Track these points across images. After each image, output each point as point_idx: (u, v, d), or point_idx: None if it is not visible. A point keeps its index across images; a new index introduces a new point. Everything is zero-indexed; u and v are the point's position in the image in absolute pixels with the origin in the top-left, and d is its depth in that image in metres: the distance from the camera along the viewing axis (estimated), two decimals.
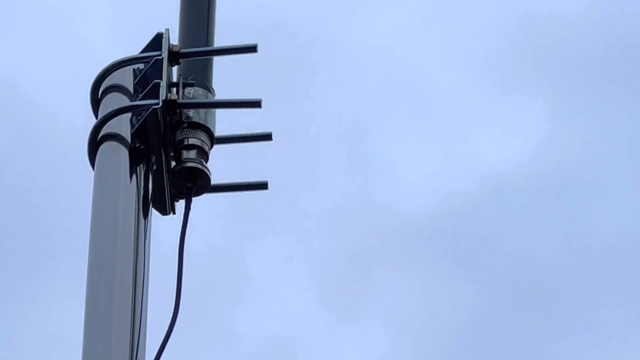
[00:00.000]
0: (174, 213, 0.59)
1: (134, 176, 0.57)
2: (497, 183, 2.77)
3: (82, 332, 0.55)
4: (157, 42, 0.57)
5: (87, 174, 0.58)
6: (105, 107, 0.57)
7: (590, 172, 2.91)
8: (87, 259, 0.57)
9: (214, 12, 0.62)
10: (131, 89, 0.57)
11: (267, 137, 0.59)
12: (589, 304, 2.84)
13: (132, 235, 0.57)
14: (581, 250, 2.86)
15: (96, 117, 0.58)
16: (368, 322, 2.83)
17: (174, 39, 0.57)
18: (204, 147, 0.57)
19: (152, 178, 0.58)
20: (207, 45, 0.59)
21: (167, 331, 0.58)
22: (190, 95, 0.57)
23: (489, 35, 2.85)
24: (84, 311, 0.56)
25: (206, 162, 0.58)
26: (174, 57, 0.56)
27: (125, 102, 0.57)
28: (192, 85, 0.57)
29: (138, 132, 0.56)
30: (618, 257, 2.83)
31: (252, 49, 0.57)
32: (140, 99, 0.56)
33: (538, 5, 2.92)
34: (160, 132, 0.56)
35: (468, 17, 2.87)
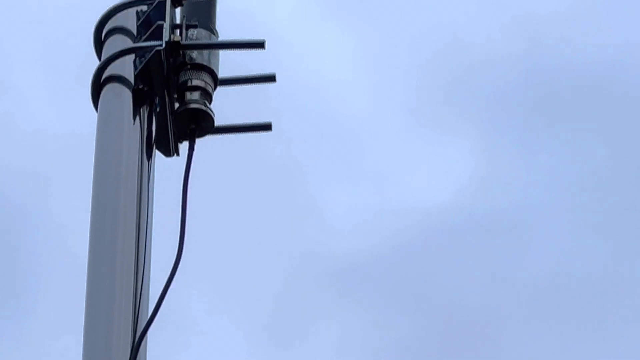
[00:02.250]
0: (178, 155, 0.57)
1: (138, 118, 0.55)
2: (428, 222, 2.88)
3: (86, 270, 0.54)
4: None
5: None
6: (109, 49, 0.56)
7: (516, 210, 3.00)
8: (90, 198, 0.56)
9: None
10: (134, 31, 0.56)
11: (271, 78, 0.57)
12: (515, 338, 2.93)
13: (136, 176, 0.56)
14: (508, 286, 2.96)
15: (99, 59, 0.56)
16: (306, 352, 2.86)
17: None
18: (207, 88, 0.56)
19: (155, 120, 0.56)
20: None
21: (172, 270, 0.56)
22: (194, 37, 0.55)
23: (416, 76, 2.87)
24: (87, 250, 0.55)
25: (210, 104, 0.56)
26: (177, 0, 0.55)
27: (128, 43, 0.56)
28: (195, 26, 0.55)
29: (141, 74, 0.55)
30: (544, 294, 2.93)
31: (259, 44, 0.55)
32: (144, 41, 0.55)
33: (463, 46, 2.93)
34: (164, 73, 0.55)
35: (394, 59, 2.91)
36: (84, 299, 0.53)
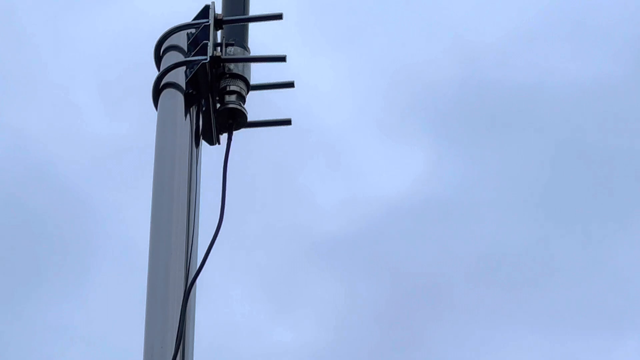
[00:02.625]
0: (219, 143, 0.74)
1: (188, 115, 0.71)
2: (392, 207, 3.63)
3: (149, 232, 0.69)
4: (205, 12, 0.71)
5: None
6: (166, 62, 0.71)
7: (461, 196, 3.77)
8: (152, 180, 0.71)
9: None
10: (185, 48, 0.72)
11: (290, 84, 0.75)
12: (463, 297, 3.74)
13: (187, 161, 0.71)
14: (456, 257, 3.74)
15: (158, 70, 0.72)
16: (300, 310, 3.60)
17: (218, 10, 0.72)
18: (242, 92, 0.72)
19: (202, 117, 0.72)
20: (243, 14, 0.74)
21: (213, 235, 0.71)
22: (231, 53, 0.72)
23: (383, 94, 3.62)
24: (150, 220, 0.70)
25: (244, 104, 0.73)
26: (218, 23, 0.71)
27: (181, 58, 0.71)
28: (232, 45, 0.72)
29: (191, 81, 0.71)
30: (484, 263, 3.73)
31: (281, 58, 0.73)
32: (193, 56, 0.71)
33: (417, 70, 3.66)
34: (208, 81, 0.71)
35: (366, 80, 3.63)
36: (148, 255, 0.68)
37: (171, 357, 0.55)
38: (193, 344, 0.66)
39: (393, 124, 3.71)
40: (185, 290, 0.63)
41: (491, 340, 3.68)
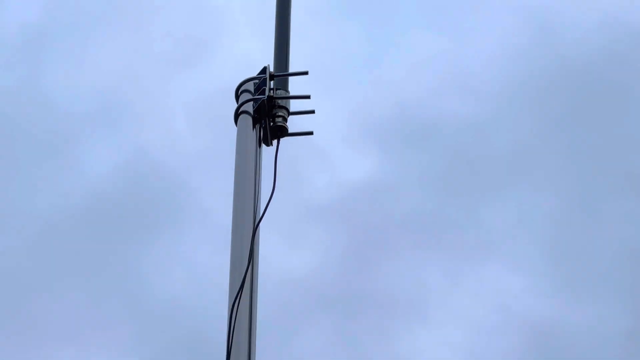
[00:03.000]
0: (272, 145, 1.26)
1: (254, 130, 1.23)
2: None
3: (233, 200, 1.22)
4: (264, 70, 1.23)
5: None
6: (242, 99, 1.24)
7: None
8: (234, 166, 1.25)
9: (289, 52, 1.28)
10: (253, 91, 1.24)
11: (311, 111, 1.25)
12: None
13: (254, 156, 1.24)
14: None
15: (237, 103, 1.26)
16: None
17: (271, 68, 1.24)
18: (285, 116, 1.24)
19: (262, 130, 1.25)
20: (286, 71, 1.26)
21: (269, 199, 1.22)
22: (279, 94, 1.24)
23: None
24: (233, 190, 1.24)
25: (286, 123, 1.24)
26: (271, 77, 1.23)
27: (250, 97, 1.24)
28: (279, 89, 1.24)
29: (256, 110, 1.23)
30: None
31: (307, 97, 1.24)
32: (257, 95, 1.23)
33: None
34: (266, 109, 1.23)
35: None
36: (232, 210, 1.22)
37: (245, 268, 1.08)
38: (258, 262, 1.19)
39: None
40: (253, 229, 1.16)
41: None
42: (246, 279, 0.91)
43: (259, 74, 1.25)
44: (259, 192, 1.22)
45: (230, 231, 1.20)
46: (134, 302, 5.56)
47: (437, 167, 5.94)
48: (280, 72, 1.26)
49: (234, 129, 1.24)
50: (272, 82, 1.24)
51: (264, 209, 1.19)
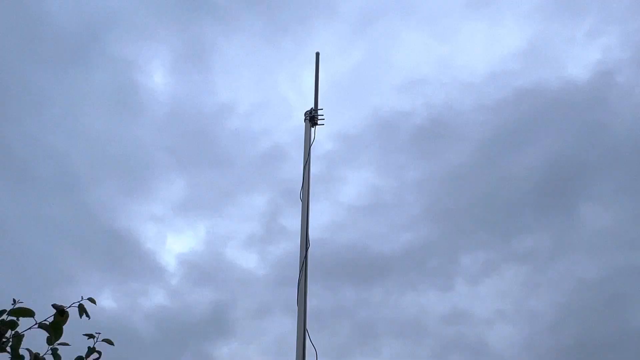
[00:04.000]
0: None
1: (311, 130, 3.84)
2: None
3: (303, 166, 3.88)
4: (311, 110, 3.86)
5: None
6: (305, 117, 3.89)
7: None
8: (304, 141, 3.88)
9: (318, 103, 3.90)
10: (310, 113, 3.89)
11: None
12: None
13: (309, 139, 3.86)
14: None
15: (305, 119, 3.91)
16: None
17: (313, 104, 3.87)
18: (319, 123, 3.88)
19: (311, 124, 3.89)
20: (317, 109, 3.86)
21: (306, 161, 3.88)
22: (317, 121, 3.87)
23: None
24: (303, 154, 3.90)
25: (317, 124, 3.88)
26: (313, 120, 3.85)
27: (307, 116, 3.89)
28: (316, 113, 3.86)
29: (308, 120, 3.87)
30: None
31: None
32: (309, 115, 3.88)
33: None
34: (310, 121, 3.88)
35: None
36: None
37: None
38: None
39: None
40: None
41: None
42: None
43: (308, 111, 3.87)
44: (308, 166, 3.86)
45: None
46: None
47: None
48: (315, 110, 3.86)
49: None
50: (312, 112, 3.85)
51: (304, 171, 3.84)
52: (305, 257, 2.82)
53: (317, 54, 4.17)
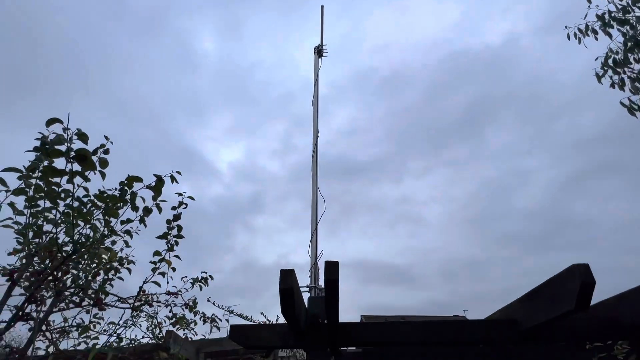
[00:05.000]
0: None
1: (319, 58, 5.16)
2: None
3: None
4: (318, 45, 5.15)
5: None
6: (317, 54, 5.20)
7: None
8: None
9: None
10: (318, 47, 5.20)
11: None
12: None
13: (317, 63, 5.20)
14: None
15: (315, 51, 5.23)
16: None
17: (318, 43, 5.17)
18: (324, 55, 5.20)
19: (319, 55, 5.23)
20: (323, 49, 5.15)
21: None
22: (322, 53, 5.17)
23: None
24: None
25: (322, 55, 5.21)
26: (319, 52, 5.14)
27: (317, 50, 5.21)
28: (324, 50, 5.17)
29: (317, 53, 5.19)
30: None
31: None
32: (317, 52, 5.19)
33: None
34: (321, 55, 5.21)
35: None
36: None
37: None
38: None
39: None
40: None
41: None
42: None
43: (318, 45, 5.17)
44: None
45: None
46: None
47: None
48: (321, 45, 5.16)
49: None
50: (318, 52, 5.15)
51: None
52: (316, 142, 4.27)
53: (322, 7, 5.40)
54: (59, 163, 2.28)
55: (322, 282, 2.68)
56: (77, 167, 2.27)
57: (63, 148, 2.22)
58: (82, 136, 2.24)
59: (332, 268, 1.50)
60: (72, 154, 2.21)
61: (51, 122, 2.12)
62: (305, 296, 2.36)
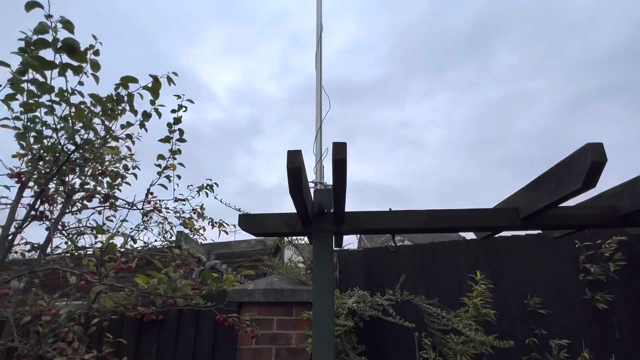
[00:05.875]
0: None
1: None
2: None
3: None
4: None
5: None
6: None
7: None
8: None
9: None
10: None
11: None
12: None
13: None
14: None
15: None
16: None
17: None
18: None
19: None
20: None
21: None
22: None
23: None
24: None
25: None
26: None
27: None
28: None
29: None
30: None
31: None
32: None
33: None
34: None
35: None
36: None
37: None
38: None
39: None
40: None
41: None
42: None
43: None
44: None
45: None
46: None
47: None
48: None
49: None
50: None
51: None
52: (320, 36, 4.04)
53: None
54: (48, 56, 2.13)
55: (326, 179, 2.70)
56: (66, 59, 2.13)
57: (49, 38, 2.06)
58: (67, 24, 2.06)
59: (340, 148, 1.46)
60: (59, 44, 2.06)
61: (30, 5, 1.93)
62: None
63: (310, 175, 2.71)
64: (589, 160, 1.49)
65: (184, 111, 3.03)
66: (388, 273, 3.61)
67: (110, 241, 1.89)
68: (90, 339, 2.71)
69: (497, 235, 3.83)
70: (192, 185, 3.89)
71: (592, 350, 3.38)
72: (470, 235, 7.25)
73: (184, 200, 3.78)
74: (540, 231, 2.82)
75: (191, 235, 4.12)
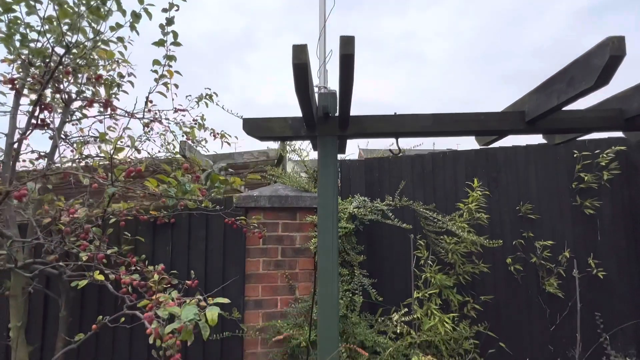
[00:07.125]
0: None
1: None
2: None
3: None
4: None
5: None
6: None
7: None
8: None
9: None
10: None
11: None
12: None
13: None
14: None
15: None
16: None
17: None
18: None
19: None
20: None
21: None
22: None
23: None
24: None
25: None
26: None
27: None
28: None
29: None
30: None
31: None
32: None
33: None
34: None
35: None
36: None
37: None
38: None
39: None
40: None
41: None
42: None
43: None
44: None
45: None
46: None
47: None
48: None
49: None
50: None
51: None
52: None
53: None
54: None
55: (330, 85, 2.62)
56: None
57: None
58: None
59: (347, 42, 1.38)
60: None
61: None
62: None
63: (314, 81, 2.63)
64: (607, 55, 1.42)
65: (176, 10, 2.81)
66: (388, 181, 3.70)
67: (117, 144, 1.89)
68: (108, 240, 2.87)
69: (498, 147, 3.85)
70: (190, 96, 3.78)
71: (573, 250, 3.62)
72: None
73: (183, 110, 3.71)
74: (542, 140, 2.82)
75: (194, 146, 4.13)
